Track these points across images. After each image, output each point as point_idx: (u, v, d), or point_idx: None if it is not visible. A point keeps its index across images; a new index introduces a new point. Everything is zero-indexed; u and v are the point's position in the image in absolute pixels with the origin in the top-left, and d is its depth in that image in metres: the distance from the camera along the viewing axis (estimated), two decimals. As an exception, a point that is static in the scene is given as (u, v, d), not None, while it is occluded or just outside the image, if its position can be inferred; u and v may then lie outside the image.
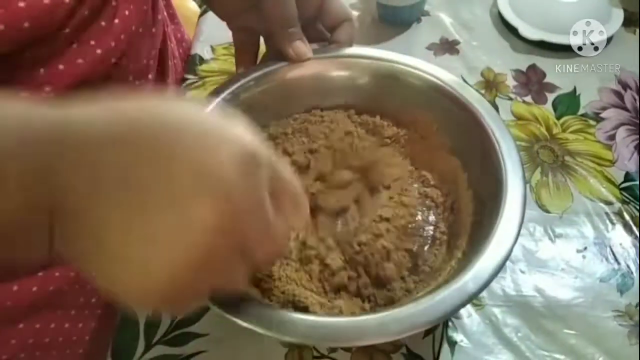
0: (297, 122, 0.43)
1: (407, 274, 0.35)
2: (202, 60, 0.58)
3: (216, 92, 0.40)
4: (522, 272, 0.42)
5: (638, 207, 0.45)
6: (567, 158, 0.49)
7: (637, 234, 0.44)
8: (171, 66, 0.53)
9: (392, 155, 0.42)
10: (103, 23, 0.37)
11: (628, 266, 0.42)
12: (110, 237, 0.21)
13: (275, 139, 0.42)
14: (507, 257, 0.30)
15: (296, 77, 0.42)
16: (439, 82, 0.40)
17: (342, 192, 0.38)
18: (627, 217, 0.45)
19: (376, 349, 0.38)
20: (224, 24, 0.46)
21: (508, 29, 0.60)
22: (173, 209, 0.21)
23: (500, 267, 0.30)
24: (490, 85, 0.55)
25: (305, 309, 0.33)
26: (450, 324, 0.39)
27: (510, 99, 0.54)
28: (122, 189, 0.21)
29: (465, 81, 0.44)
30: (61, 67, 0.35)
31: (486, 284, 0.29)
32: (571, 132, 0.51)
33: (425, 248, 0.37)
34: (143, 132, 0.21)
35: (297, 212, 0.26)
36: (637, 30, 0.60)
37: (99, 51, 0.37)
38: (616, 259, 0.42)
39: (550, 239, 0.44)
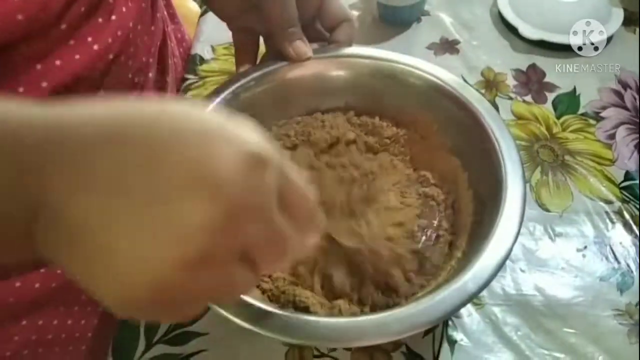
0: (300, 126, 0.43)
1: (413, 276, 0.35)
2: (202, 60, 0.59)
3: (216, 92, 0.40)
4: (522, 271, 0.42)
5: (638, 206, 0.45)
6: (567, 157, 0.49)
7: (637, 233, 0.44)
8: (171, 65, 0.53)
9: (389, 161, 0.42)
10: (100, 19, 0.37)
11: (628, 265, 0.42)
12: (91, 237, 0.20)
13: (278, 140, 0.42)
14: (507, 256, 0.31)
15: (296, 77, 0.42)
16: (439, 81, 0.40)
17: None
18: (627, 216, 0.45)
19: (376, 347, 0.38)
20: (224, 24, 0.46)
21: (508, 29, 0.60)
22: (159, 205, 0.19)
23: (500, 267, 0.30)
24: (490, 84, 0.55)
25: (305, 309, 0.33)
26: (450, 323, 0.39)
27: (511, 98, 0.54)
28: (107, 188, 0.20)
29: (465, 81, 0.45)
30: (58, 62, 0.35)
31: (486, 284, 0.29)
32: (571, 132, 0.51)
33: (430, 247, 0.37)
34: (137, 131, 0.20)
35: (310, 226, 0.24)
36: (637, 29, 0.60)
37: (96, 47, 0.37)
38: (616, 258, 0.42)
39: (550, 238, 0.44)
